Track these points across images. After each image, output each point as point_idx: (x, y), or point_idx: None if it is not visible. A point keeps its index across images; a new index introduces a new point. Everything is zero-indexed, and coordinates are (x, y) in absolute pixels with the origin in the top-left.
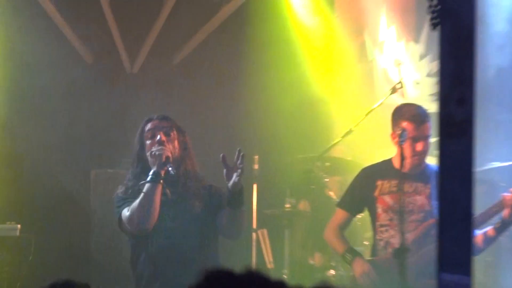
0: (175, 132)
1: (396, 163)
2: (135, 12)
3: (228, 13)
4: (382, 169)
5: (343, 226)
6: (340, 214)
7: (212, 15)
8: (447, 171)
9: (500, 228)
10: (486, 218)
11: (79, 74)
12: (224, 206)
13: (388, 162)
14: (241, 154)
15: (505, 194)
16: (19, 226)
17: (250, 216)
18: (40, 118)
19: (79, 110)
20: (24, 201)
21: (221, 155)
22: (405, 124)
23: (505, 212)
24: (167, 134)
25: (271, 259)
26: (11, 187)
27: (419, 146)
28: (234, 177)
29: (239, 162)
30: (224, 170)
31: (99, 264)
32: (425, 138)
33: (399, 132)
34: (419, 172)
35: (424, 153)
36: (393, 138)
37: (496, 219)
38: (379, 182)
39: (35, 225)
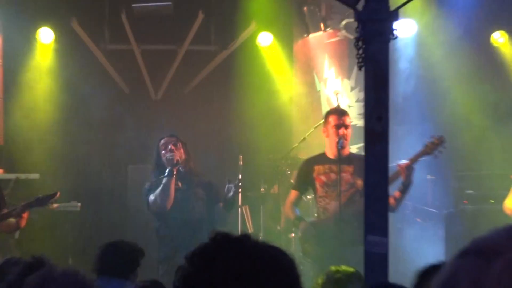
0: (180, 143)
1: (328, 153)
2: (158, 56)
3: (221, 59)
4: (318, 158)
5: (295, 202)
6: (292, 194)
7: (210, 60)
8: (370, 166)
9: (404, 190)
10: (390, 182)
11: (120, 100)
12: (219, 199)
13: (322, 153)
14: (237, 182)
15: (399, 163)
16: (79, 204)
17: (236, 196)
18: (92, 129)
19: (120, 124)
20: (82, 187)
21: (226, 178)
22: (330, 117)
23: (402, 177)
24: (175, 145)
25: (251, 226)
26: (73, 177)
27: (341, 132)
28: (231, 192)
29: (235, 184)
30: (226, 186)
31: (134, 232)
32: (345, 126)
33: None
34: (345, 157)
35: (345, 137)
36: (324, 132)
37: (399, 185)
38: (315, 167)
39: (90, 205)
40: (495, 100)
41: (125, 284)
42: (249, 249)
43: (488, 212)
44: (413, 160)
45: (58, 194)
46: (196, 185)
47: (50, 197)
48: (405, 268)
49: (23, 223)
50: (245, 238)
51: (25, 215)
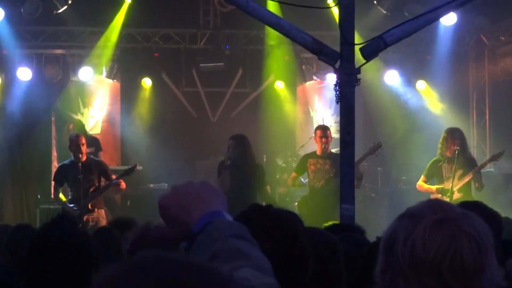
0: (233, 142)
1: (317, 152)
2: (215, 94)
3: (253, 97)
4: (310, 154)
5: (294, 178)
6: (293, 174)
7: (246, 97)
8: (343, 162)
9: (359, 178)
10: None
11: (190, 121)
12: (266, 183)
13: (314, 151)
14: None
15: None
16: (166, 185)
17: None
18: (173, 138)
19: (191, 135)
20: (167, 174)
21: None
22: (318, 130)
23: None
24: (231, 145)
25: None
26: (162, 167)
27: (324, 140)
28: None
29: None
30: None
31: None
32: (327, 136)
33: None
34: (326, 154)
35: (327, 143)
36: (314, 139)
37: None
38: (309, 160)
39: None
40: (414, 120)
41: None
42: (270, 213)
43: (413, 190)
44: (361, 160)
45: (137, 165)
46: (250, 174)
47: (132, 169)
48: (367, 222)
49: (123, 186)
50: (269, 207)
51: (122, 182)
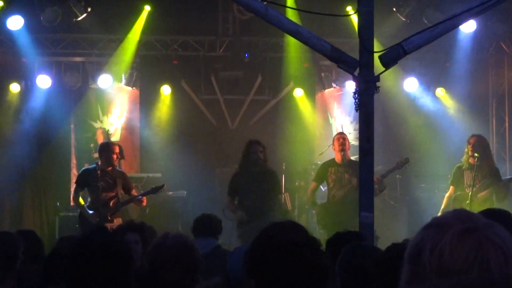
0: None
1: (336, 159)
2: (234, 102)
3: (272, 104)
4: (330, 163)
5: (314, 189)
6: (313, 184)
7: (265, 105)
8: (363, 168)
9: (381, 189)
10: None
11: (209, 128)
12: (280, 191)
13: (333, 159)
14: None
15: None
16: (185, 192)
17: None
18: (193, 145)
19: (209, 142)
20: (187, 182)
21: None
22: (336, 137)
23: (376, 185)
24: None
25: (290, 206)
26: (181, 175)
27: (342, 147)
28: None
29: None
30: None
31: (219, 209)
32: (345, 144)
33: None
34: (346, 162)
35: (345, 150)
36: (333, 147)
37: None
38: (329, 168)
39: (192, 193)
40: (433, 128)
41: (214, 241)
42: (287, 234)
43: (432, 198)
44: (387, 174)
45: (164, 186)
46: (265, 178)
47: (159, 188)
48: (386, 230)
49: (144, 203)
50: (284, 228)
51: (144, 198)
